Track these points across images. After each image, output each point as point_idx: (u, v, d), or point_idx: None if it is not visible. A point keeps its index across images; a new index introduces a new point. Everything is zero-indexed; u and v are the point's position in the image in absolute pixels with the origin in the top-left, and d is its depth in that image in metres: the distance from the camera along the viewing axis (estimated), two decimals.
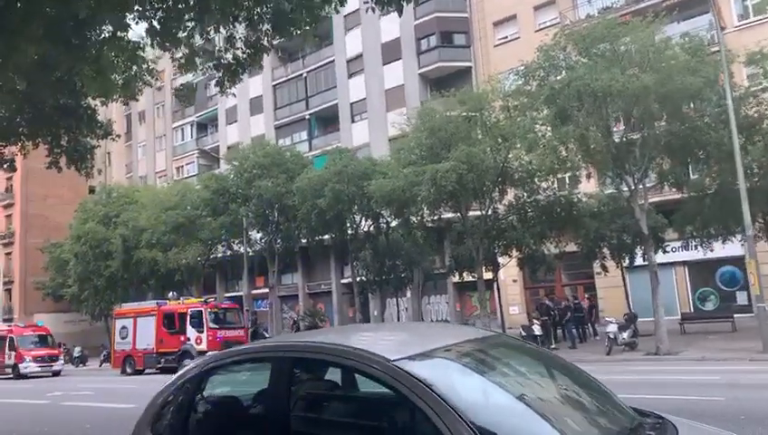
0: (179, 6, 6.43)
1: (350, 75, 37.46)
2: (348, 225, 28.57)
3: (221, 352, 3.62)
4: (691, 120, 18.25)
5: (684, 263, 26.27)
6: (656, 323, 18.28)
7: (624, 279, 25.14)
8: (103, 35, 7.05)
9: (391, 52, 35.36)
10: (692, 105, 18.41)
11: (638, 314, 21.31)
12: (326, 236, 30.04)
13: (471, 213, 23.68)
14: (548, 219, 22.86)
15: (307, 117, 39.46)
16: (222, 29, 7.38)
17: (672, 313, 23.24)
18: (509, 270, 27.70)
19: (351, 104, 37.14)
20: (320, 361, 3.14)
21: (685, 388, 10.66)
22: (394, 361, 2.65)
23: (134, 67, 8.59)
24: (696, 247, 23.04)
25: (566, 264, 28.05)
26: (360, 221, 28.30)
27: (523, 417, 2.62)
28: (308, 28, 7.43)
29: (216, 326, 25.09)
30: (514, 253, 24.60)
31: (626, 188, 19.55)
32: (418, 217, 25.20)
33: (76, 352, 38.44)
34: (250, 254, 32.83)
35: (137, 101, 14.57)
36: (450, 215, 25.15)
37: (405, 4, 6.54)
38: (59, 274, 42.79)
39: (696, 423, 3.25)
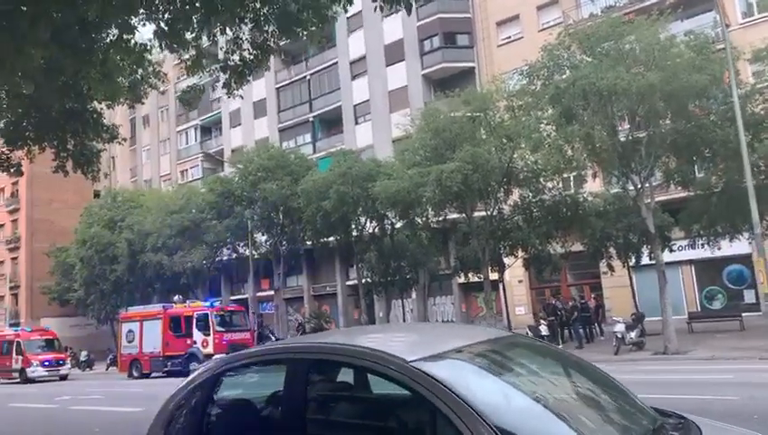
0: (186, 8, 6.42)
1: (354, 77, 37.46)
2: (353, 226, 28.56)
3: (234, 354, 3.59)
4: (697, 117, 18.17)
5: (690, 262, 26.15)
6: (664, 322, 18.19)
7: (630, 279, 25.04)
8: (110, 38, 7.05)
9: (394, 53, 35.34)
10: (698, 103, 18.31)
11: (645, 314, 21.22)
12: (331, 238, 30.02)
13: (476, 213, 23.62)
14: (554, 219, 22.79)
15: (311, 119, 39.48)
16: (228, 30, 7.36)
17: (679, 312, 23.12)
18: (515, 270, 27.61)
19: (355, 106, 37.14)
20: (336, 362, 3.11)
21: (698, 387, 10.58)
22: (412, 362, 2.62)
23: (140, 70, 8.58)
24: (702, 246, 22.90)
25: (572, 264, 27.94)
26: (365, 223, 28.27)
27: (544, 418, 2.58)
28: (315, 29, 7.42)
29: (223, 329, 25.14)
30: (520, 253, 24.54)
31: (632, 187, 19.46)
32: (423, 218, 25.17)
33: (83, 356, 38.50)
34: (255, 256, 32.86)
35: (142, 104, 14.59)
36: (455, 215, 25.10)
37: (413, 2, 6.50)
38: (65, 278, 42.91)
39: (720, 423, 3.19)
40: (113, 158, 50.64)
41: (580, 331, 22.91)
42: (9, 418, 14.65)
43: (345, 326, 33.73)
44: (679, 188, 21.61)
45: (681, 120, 18.06)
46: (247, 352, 3.59)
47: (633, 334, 19.43)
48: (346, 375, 3.33)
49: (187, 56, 8.07)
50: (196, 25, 6.75)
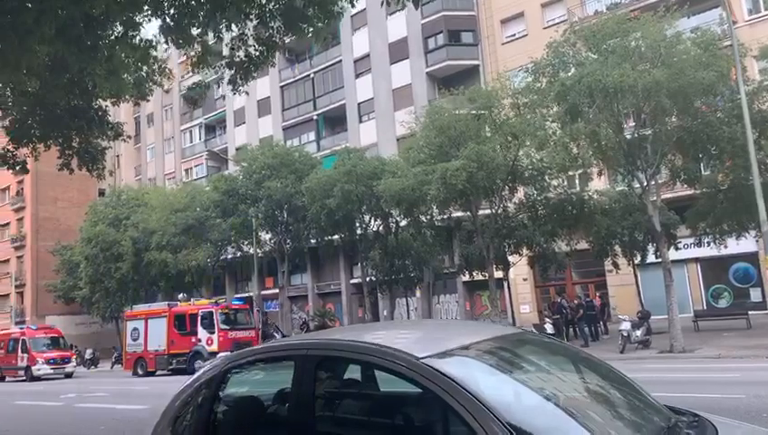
0: (192, 3, 6.40)
1: (358, 75, 37.43)
2: (357, 225, 28.54)
3: (241, 350, 3.56)
4: (703, 115, 18.04)
5: (696, 260, 26.06)
6: (670, 320, 18.10)
7: (636, 277, 24.95)
8: (115, 35, 7.03)
9: (398, 51, 35.29)
10: (704, 100, 18.19)
11: (651, 312, 21.13)
12: (335, 237, 30.01)
13: (481, 211, 23.56)
14: (559, 217, 22.71)
15: (315, 117, 39.47)
16: (234, 26, 7.34)
17: (685, 310, 23.03)
18: (519, 269, 27.55)
19: (359, 104, 37.11)
20: (345, 359, 3.08)
21: (704, 386, 10.52)
22: (423, 358, 2.59)
23: (145, 67, 8.57)
24: (708, 244, 22.83)
25: (577, 262, 27.86)
26: (370, 221, 28.25)
27: (555, 415, 2.54)
28: (320, 25, 7.38)
29: (227, 327, 25.13)
30: (525, 251, 24.47)
31: (637, 185, 19.37)
32: (428, 217, 25.13)
33: (88, 353, 38.63)
34: (260, 255, 32.89)
35: (147, 101, 14.61)
36: (460, 214, 25.05)
37: None
38: (70, 276, 43.07)
39: (735, 421, 3.15)
40: (118, 156, 50.79)
41: (586, 329, 22.83)
42: (15, 415, 14.69)
43: (350, 324, 33.72)
44: (685, 185, 21.49)
45: (687, 117, 17.96)
46: (256, 349, 3.58)
47: (639, 333, 19.33)
48: (353, 372, 3.31)
49: (192, 52, 8.05)
50: (201, 21, 6.72)
